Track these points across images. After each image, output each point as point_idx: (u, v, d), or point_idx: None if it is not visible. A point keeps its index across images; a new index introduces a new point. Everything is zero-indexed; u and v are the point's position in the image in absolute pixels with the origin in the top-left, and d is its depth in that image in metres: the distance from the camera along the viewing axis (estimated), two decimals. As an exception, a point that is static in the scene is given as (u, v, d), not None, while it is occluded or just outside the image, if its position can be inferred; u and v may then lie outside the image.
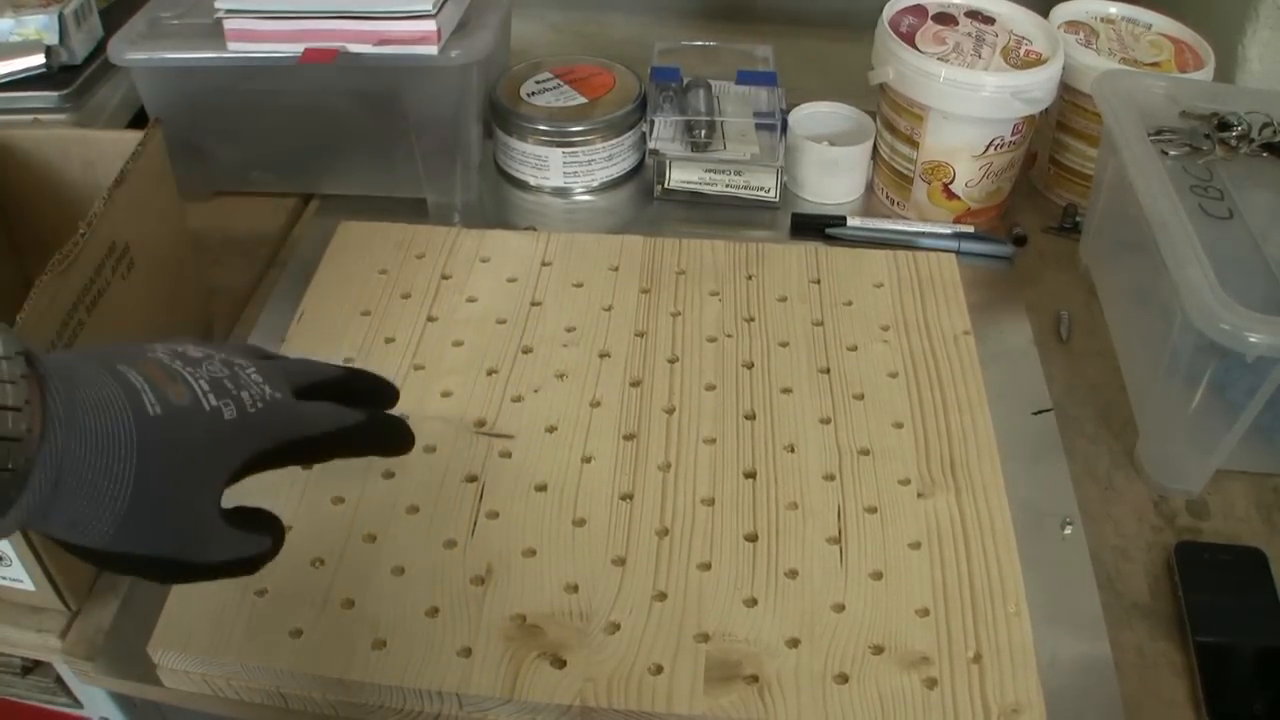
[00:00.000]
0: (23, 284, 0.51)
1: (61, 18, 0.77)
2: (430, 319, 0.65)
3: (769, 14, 1.03)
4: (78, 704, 0.63)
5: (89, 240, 0.52)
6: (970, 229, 0.78)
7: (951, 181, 0.77)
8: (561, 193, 0.83)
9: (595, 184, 0.83)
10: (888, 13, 0.78)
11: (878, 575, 0.51)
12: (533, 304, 0.66)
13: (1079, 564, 0.56)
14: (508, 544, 0.52)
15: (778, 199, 0.81)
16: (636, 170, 0.85)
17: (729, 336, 0.64)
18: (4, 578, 0.51)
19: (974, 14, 0.79)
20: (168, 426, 0.37)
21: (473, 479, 0.56)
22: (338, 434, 0.44)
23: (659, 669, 0.47)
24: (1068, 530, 0.57)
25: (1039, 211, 0.82)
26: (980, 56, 0.74)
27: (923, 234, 0.77)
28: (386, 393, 0.50)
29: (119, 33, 0.73)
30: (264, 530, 0.42)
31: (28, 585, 0.51)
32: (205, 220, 0.78)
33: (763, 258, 0.70)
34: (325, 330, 0.64)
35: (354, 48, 0.70)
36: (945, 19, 0.79)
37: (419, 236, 0.71)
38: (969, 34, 0.77)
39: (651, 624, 0.49)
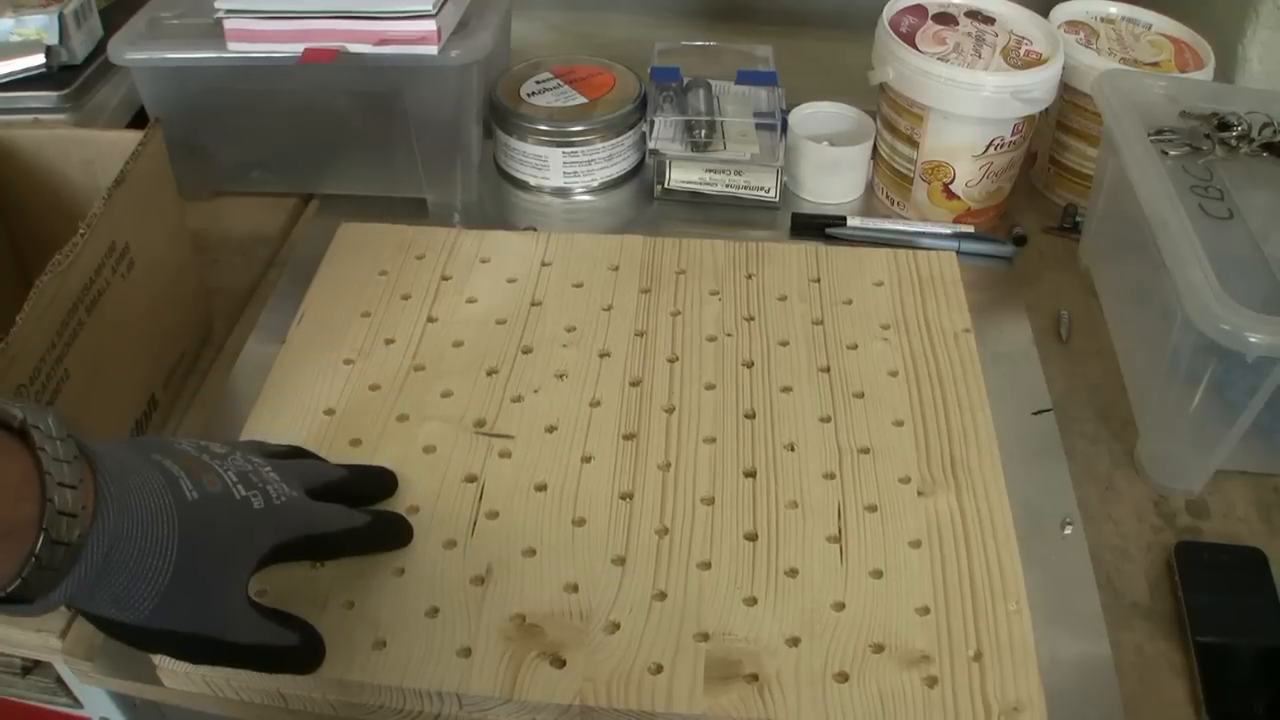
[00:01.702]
0: (23, 284, 0.51)
1: (61, 18, 0.77)
2: (430, 320, 0.65)
3: (769, 14, 1.03)
4: (78, 704, 0.63)
5: (89, 240, 0.52)
6: (970, 229, 0.78)
7: (951, 181, 0.77)
8: (561, 193, 0.83)
9: (595, 184, 0.83)
10: (888, 13, 0.78)
11: (878, 574, 0.51)
12: (533, 304, 0.66)
13: (1079, 564, 0.56)
14: (507, 544, 0.52)
15: (778, 199, 0.81)
16: (636, 170, 0.85)
17: (729, 336, 0.64)
18: (4, 578, 0.51)
19: (974, 14, 0.79)
20: (204, 510, 0.40)
21: (472, 479, 0.56)
22: (348, 533, 0.48)
23: (659, 668, 0.47)
24: (1068, 530, 0.57)
25: (1039, 211, 0.82)
26: (980, 56, 0.74)
27: (923, 234, 0.77)
28: (387, 483, 0.54)
29: (119, 33, 0.73)
30: (292, 628, 0.45)
31: (28, 585, 0.51)
32: (205, 220, 0.78)
33: (763, 257, 0.70)
34: (326, 332, 0.64)
35: (354, 48, 0.70)
36: (945, 19, 0.79)
37: (419, 237, 0.71)
38: (969, 34, 0.77)
39: (651, 623, 0.49)
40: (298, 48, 0.70)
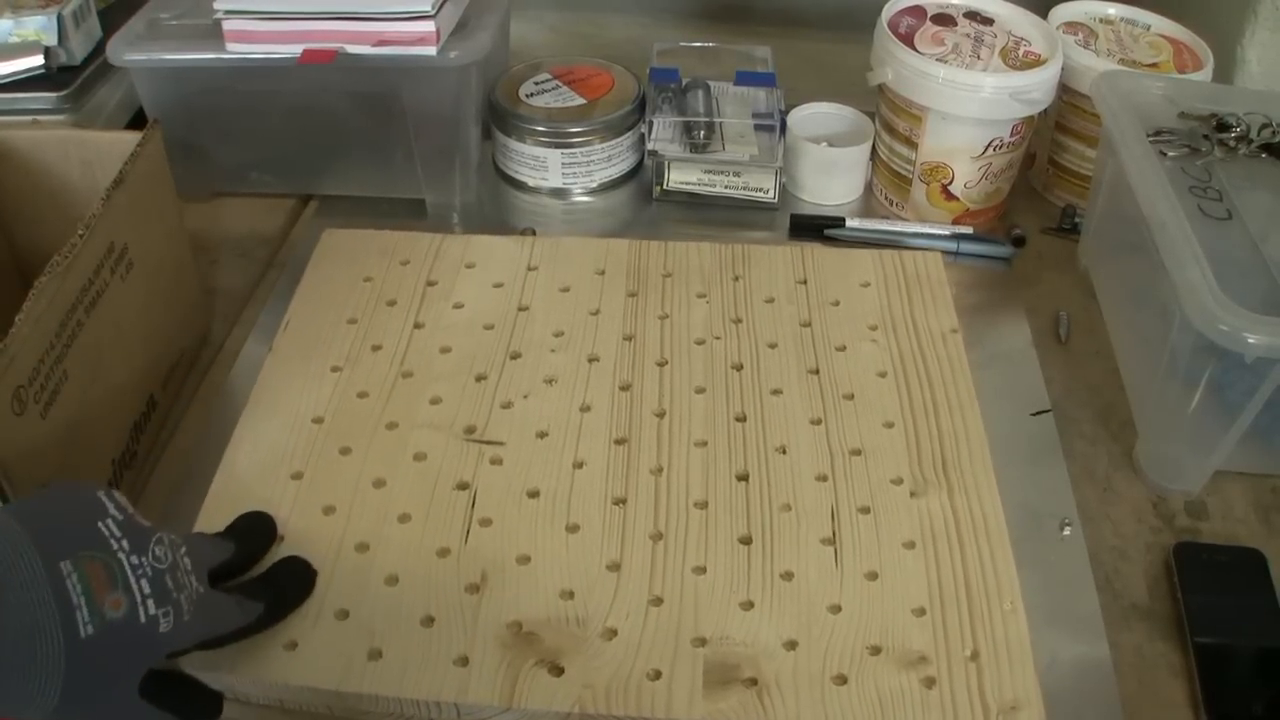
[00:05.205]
0: (22, 285, 0.51)
1: (60, 19, 0.77)
2: (417, 325, 0.65)
3: (768, 15, 1.03)
4: (76, 705, 0.63)
5: (87, 241, 0.52)
6: (969, 230, 0.78)
7: (950, 182, 0.77)
8: (560, 194, 0.83)
9: (594, 185, 0.83)
10: (886, 13, 0.78)
11: (873, 575, 0.51)
12: (520, 309, 0.66)
13: (1078, 565, 0.56)
14: (501, 551, 0.52)
15: (776, 200, 0.81)
16: (635, 171, 0.85)
17: (717, 339, 0.64)
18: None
19: (973, 15, 0.79)
20: (98, 646, 0.38)
21: (464, 486, 0.55)
22: (243, 629, 0.46)
23: (657, 674, 0.47)
24: (1066, 531, 0.57)
25: (1038, 212, 0.82)
26: (979, 57, 0.74)
27: (921, 235, 0.77)
28: (267, 533, 0.52)
29: (118, 33, 0.73)
30: (178, 704, 0.44)
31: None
32: (204, 221, 0.78)
33: (749, 259, 0.70)
34: (312, 339, 0.64)
35: (352, 48, 0.70)
36: (944, 20, 0.79)
37: (403, 243, 0.71)
38: (968, 35, 0.77)
39: (649, 629, 0.49)
40: (296, 48, 0.70)
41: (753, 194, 0.81)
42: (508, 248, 0.71)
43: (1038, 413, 0.64)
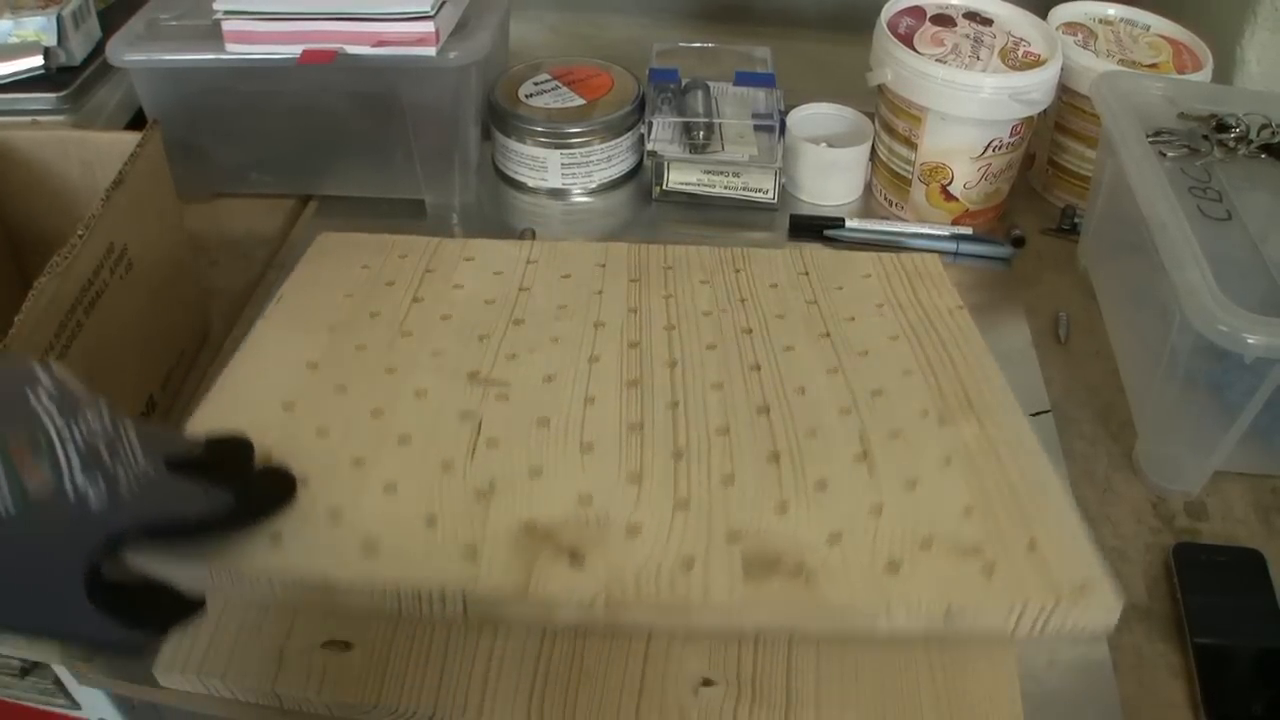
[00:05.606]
0: (21, 285, 0.51)
1: (60, 19, 0.77)
2: (416, 299, 0.63)
3: (767, 15, 1.03)
4: (75, 705, 0.63)
5: (87, 241, 0.52)
6: (968, 231, 0.78)
7: (950, 183, 0.77)
8: (559, 194, 0.83)
9: (593, 185, 0.83)
10: (886, 14, 0.78)
11: (912, 485, 0.48)
12: (520, 289, 0.65)
13: (1077, 565, 0.55)
14: (510, 467, 0.49)
15: (776, 200, 0.81)
16: (635, 172, 0.85)
17: (724, 311, 0.63)
18: (1, 579, 0.51)
19: (972, 15, 0.79)
20: (18, 526, 0.35)
21: (469, 415, 0.53)
22: (207, 518, 0.42)
23: (690, 563, 0.43)
24: (1066, 531, 0.57)
25: (1037, 213, 0.82)
26: (978, 58, 0.74)
27: (920, 235, 0.77)
28: (246, 445, 0.47)
29: (117, 34, 0.73)
30: (139, 612, 0.39)
31: (25, 587, 0.51)
32: (204, 221, 0.78)
33: (749, 257, 0.70)
34: (306, 307, 0.62)
35: (352, 49, 0.70)
36: (943, 20, 0.79)
37: (399, 245, 0.70)
38: (967, 35, 0.77)
39: (676, 527, 0.45)
40: (296, 49, 0.70)
41: (752, 194, 0.81)
42: (506, 247, 0.71)
43: (1037, 413, 0.64)
